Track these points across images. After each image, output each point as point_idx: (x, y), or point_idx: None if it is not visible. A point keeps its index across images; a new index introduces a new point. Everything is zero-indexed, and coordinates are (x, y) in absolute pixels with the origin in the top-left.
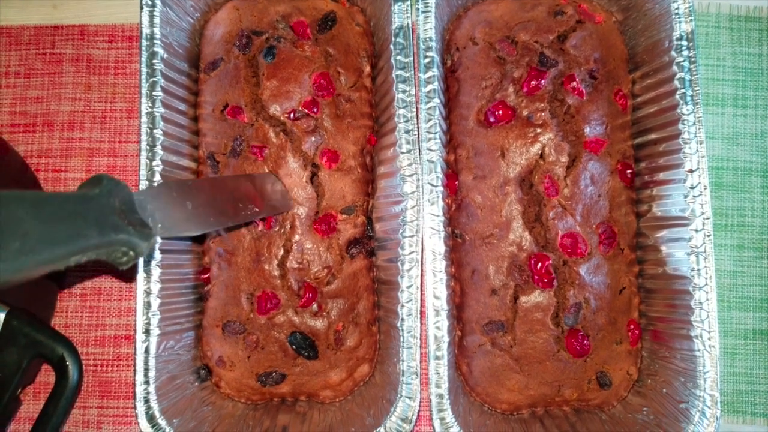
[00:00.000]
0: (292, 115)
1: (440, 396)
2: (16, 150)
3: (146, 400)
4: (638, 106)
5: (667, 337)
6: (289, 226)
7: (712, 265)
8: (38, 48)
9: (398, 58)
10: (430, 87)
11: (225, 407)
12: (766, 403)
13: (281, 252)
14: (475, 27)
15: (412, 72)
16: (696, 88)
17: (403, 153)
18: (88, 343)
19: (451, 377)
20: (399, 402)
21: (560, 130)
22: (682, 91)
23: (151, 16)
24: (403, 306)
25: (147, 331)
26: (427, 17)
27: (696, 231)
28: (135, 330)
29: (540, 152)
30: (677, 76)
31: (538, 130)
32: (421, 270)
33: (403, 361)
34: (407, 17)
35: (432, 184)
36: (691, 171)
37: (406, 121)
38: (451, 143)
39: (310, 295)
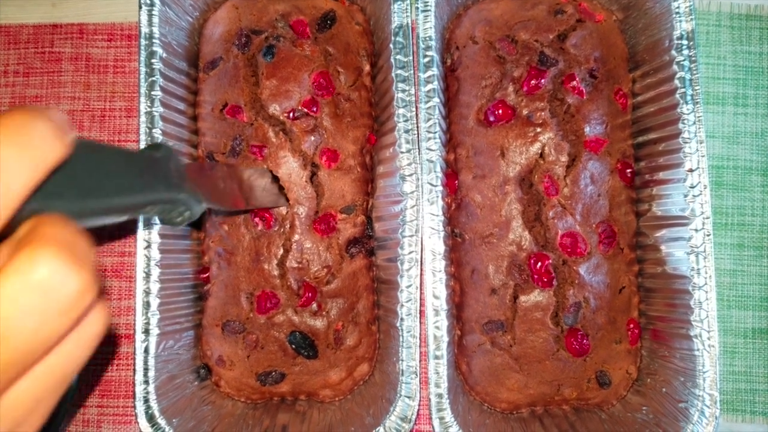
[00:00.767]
0: (291, 114)
1: (439, 395)
2: None
3: (146, 400)
4: (638, 106)
5: (667, 336)
6: (288, 226)
7: (711, 264)
8: (37, 47)
9: (398, 57)
10: (429, 86)
11: (225, 406)
12: (765, 402)
13: (281, 251)
14: (475, 26)
15: (412, 71)
16: (696, 88)
17: (402, 152)
18: None
19: (450, 376)
20: (398, 401)
21: (560, 130)
22: (683, 90)
23: (150, 15)
24: (402, 305)
25: (146, 331)
26: (427, 16)
27: (696, 230)
28: (134, 329)
29: (540, 151)
30: (677, 75)
31: (538, 130)
32: (421, 269)
33: (402, 360)
34: (407, 16)
35: (431, 184)
36: (691, 170)
37: (406, 121)
38: (450, 142)
39: (310, 294)
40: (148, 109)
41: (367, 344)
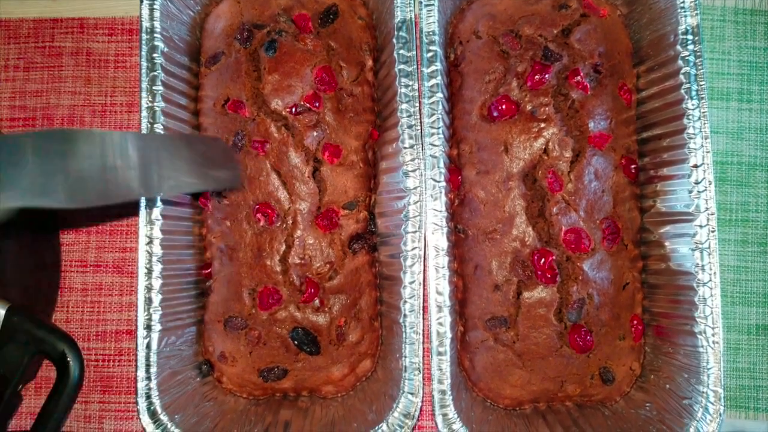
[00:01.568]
0: (293, 109)
1: (443, 392)
2: None
3: (148, 396)
4: (643, 101)
5: (671, 332)
6: (291, 222)
7: (716, 260)
8: (37, 41)
9: (401, 52)
10: (433, 81)
11: (227, 402)
12: None
13: (283, 247)
14: (478, 20)
15: (415, 66)
16: (701, 83)
17: (405, 148)
18: (89, 338)
19: (453, 373)
20: (401, 398)
21: (564, 125)
22: (687, 85)
23: (151, 10)
24: (405, 302)
25: (148, 327)
26: (430, 11)
27: (700, 227)
28: (136, 325)
29: (544, 147)
30: (682, 71)
31: (542, 125)
32: (424, 266)
33: (405, 356)
34: (410, 11)
35: (435, 180)
36: (695, 166)
37: (409, 116)
38: (454, 138)
39: (312, 290)
40: (150, 104)
41: (370, 340)
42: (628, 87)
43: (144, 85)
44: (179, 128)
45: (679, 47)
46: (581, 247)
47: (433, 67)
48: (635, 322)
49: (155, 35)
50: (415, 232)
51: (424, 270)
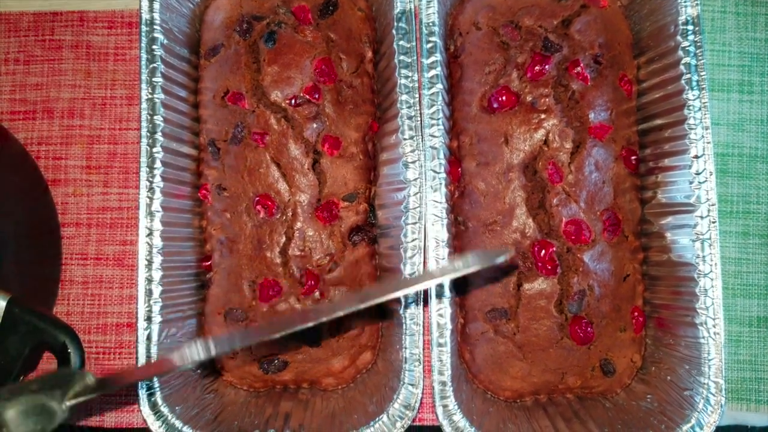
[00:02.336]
0: (293, 101)
1: (443, 383)
2: (16, 137)
3: (148, 388)
4: (643, 92)
5: (672, 324)
6: (290, 214)
7: (717, 251)
8: (37, 35)
9: (401, 43)
10: (432, 72)
11: (227, 395)
12: None
13: (283, 239)
14: (478, 12)
15: (415, 57)
16: (702, 73)
17: (405, 139)
18: (90, 331)
19: (453, 364)
20: (402, 389)
21: (564, 116)
22: (688, 76)
23: (151, 2)
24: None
25: (149, 319)
26: (430, 2)
27: (701, 217)
28: (137, 317)
29: (544, 138)
30: (683, 61)
31: (542, 116)
32: (424, 257)
33: (405, 348)
34: (410, 2)
35: (435, 171)
36: (696, 157)
37: (409, 107)
38: (454, 129)
39: (312, 282)
40: (149, 96)
41: (370, 332)
42: (629, 78)
43: (144, 77)
44: (179, 120)
45: (679, 38)
46: (582, 238)
47: (432, 58)
48: (636, 313)
49: (155, 27)
50: (415, 223)
51: (424, 261)
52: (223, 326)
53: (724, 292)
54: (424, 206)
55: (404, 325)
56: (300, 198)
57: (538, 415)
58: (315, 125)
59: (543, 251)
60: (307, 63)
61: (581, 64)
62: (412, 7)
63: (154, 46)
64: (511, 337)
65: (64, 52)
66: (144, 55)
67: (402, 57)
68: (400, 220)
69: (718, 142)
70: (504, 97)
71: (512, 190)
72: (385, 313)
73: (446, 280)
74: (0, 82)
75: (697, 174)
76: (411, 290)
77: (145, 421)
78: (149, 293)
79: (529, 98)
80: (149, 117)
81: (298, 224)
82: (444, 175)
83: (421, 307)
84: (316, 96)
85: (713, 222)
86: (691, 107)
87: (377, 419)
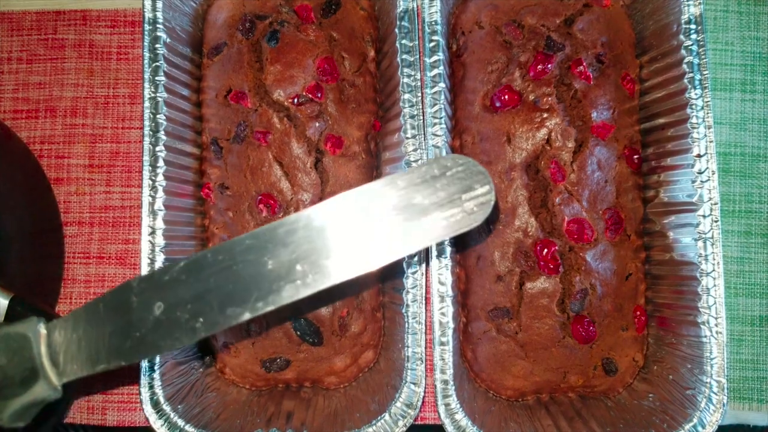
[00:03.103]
0: (295, 100)
1: (445, 382)
2: (19, 136)
3: (151, 386)
4: (646, 91)
5: (674, 323)
6: (293, 212)
7: (719, 250)
8: (40, 33)
9: (403, 42)
10: (435, 71)
11: (229, 393)
12: None
13: None
14: (481, 11)
15: (417, 56)
16: (705, 73)
17: (408, 138)
18: None
19: (456, 363)
20: (404, 388)
21: (567, 115)
22: (691, 75)
23: (154, 1)
24: (408, 292)
25: None
26: (433, 0)
27: (703, 216)
28: None
29: (546, 137)
30: (686, 60)
31: (545, 115)
32: (426, 256)
33: (408, 347)
34: (412, 1)
35: None
36: (699, 156)
37: (411, 106)
38: (456, 128)
39: None
40: (152, 95)
41: (372, 331)
42: (631, 77)
43: (147, 75)
44: (181, 119)
45: (682, 37)
46: (584, 237)
47: (435, 57)
48: (638, 312)
49: (158, 26)
50: None
51: (427, 260)
52: None
53: (726, 291)
54: None
55: (406, 323)
56: (302, 197)
57: (540, 414)
58: (317, 124)
59: (545, 250)
60: (309, 62)
61: (584, 63)
62: (415, 5)
63: (156, 45)
64: (513, 336)
65: (67, 51)
66: (147, 54)
67: (404, 56)
68: None
69: (721, 141)
70: (506, 96)
71: (514, 189)
72: (388, 313)
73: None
74: (3, 81)
75: (700, 173)
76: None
77: (147, 419)
78: None
79: (531, 97)
80: (152, 115)
81: None
82: None
83: (424, 306)
84: (319, 95)
85: (715, 221)
86: (693, 106)
87: (379, 418)
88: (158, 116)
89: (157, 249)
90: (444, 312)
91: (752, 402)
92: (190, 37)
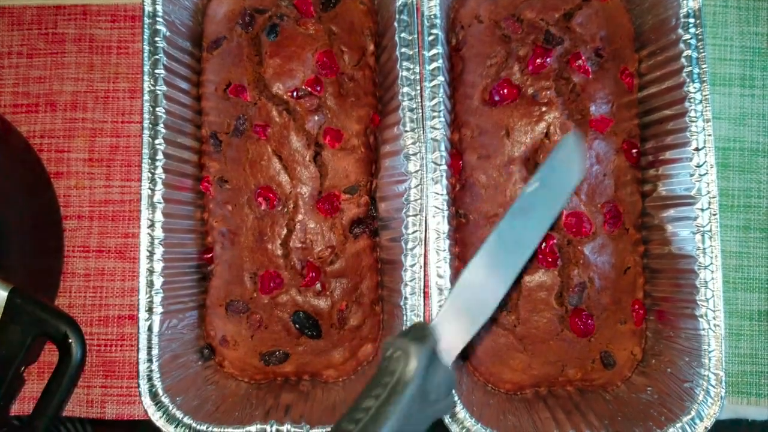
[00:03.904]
0: (294, 93)
1: None
2: (19, 131)
3: (149, 378)
4: (645, 85)
5: (672, 316)
6: (292, 206)
7: (717, 244)
8: (40, 28)
9: (402, 35)
10: (434, 65)
11: (228, 386)
12: None
13: (284, 231)
14: (480, 5)
15: (416, 50)
16: (703, 66)
17: (406, 131)
18: (92, 323)
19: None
20: None
21: (565, 109)
22: (689, 69)
23: None
24: (406, 285)
25: (150, 310)
26: None
27: (702, 210)
28: (138, 308)
29: (545, 131)
30: (684, 54)
31: (544, 109)
32: (425, 249)
33: None
34: None
35: (436, 163)
36: (697, 149)
37: (410, 99)
38: (455, 122)
39: (313, 274)
40: (152, 88)
41: (371, 324)
42: (630, 71)
43: (146, 68)
44: (181, 112)
45: (680, 30)
46: (582, 230)
47: (434, 51)
48: (636, 306)
49: (157, 19)
50: (416, 215)
51: (425, 254)
52: (224, 318)
53: (725, 285)
54: (425, 198)
55: (405, 316)
56: (301, 190)
57: (539, 407)
58: (316, 117)
59: (543, 243)
60: (308, 55)
61: (582, 57)
62: (414, 0)
63: (156, 38)
64: (512, 329)
65: (67, 45)
66: (146, 47)
67: (403, 49)
68: (401, 212)
69: (720, 136)
70: (505, 90)
71: (513, 183)
72: (387, 307)
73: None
74: (3, 76)
75: (698, 166)
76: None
77: (146, 412)
78: (151, 284)
79: (530, 91)
80: (151, 108)
81: (300, 216)
82: (445, 167)
83: (422, 298)
84: (318, 88)
85: (714, 214)
86: (692, 100)
87: None
88: (158, 109)
89: (156, 241)
90: (442, 305)
91: (751, 396)
92: (189, 30)
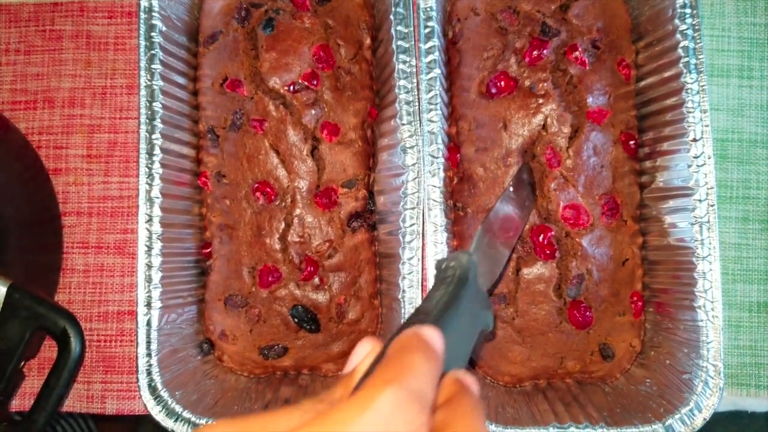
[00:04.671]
0: (291, 87)
1: None
2: (17, 127)
3: (148, 372)
4: (642, 77)
5: (671, 308)
6: (290, 200)
7: (715, 235)
8: (38, 25)
9: (398, 28)
10: (431, 57)
11: (227, 380)
12: None
13: (282, 226)
14: None
15: (413, 42)
16: (700, 57)
17: (404, 125)
18: (92, 319)
19: None
20: None
21: (563, 101)
22: (686, 59)
23: None
24: (404, 278)
25: (148, 304)
26: None
27: (699, 201)
28: (137, 303)
29: (542, 123)
30: (681, 44)
31: (540, 101)
32: (423, 242)
33: None
34: None
35: (433, 156)
36: (694, 140)
37: (407, 92)
38: (452, 116)
39: (312, 268)
40: (148, 83)
41: (370, 318)
42: (627, 62)
43: (143, 63)
44: (178, 107)
45: (677, 21)
46: (580, 222)
47: (430, 43)
48: (635, 298)
49: (153, 14)
50: (413, 208)
51: (423, 247)
52: (223, 312)
53: (724, 277)
54: (423, 191)
55: (403, 309)
56: (299, 184)
57: (537, 399)
58: (313, 111)
59: (541, 236)
60: (305, 49)
61: (579, 49)
62: None
63: (152, 33)
64: (510, 321)
65: (65, 42)
66: (143, 42)
67: (400, 42)
68: (399, 206)
69: (718, 127)
70: (502, 83)
71: (511, 175)
72: (385, 300)
73: None
74: (1, 73)
75: (696, 157)
76: None
77: (145, 406)
78: (149, 279)
79: (527, 83)
80: (148, 104)
81: (297, 211)
82: (442, 160)
83: (420, 292)
84: (315, 82)
85: (711, 205)
86: (689, 90)
87: None
88: (154, 104)
89: (154, 236)
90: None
91: (750, 388)
92: (186, 25)
